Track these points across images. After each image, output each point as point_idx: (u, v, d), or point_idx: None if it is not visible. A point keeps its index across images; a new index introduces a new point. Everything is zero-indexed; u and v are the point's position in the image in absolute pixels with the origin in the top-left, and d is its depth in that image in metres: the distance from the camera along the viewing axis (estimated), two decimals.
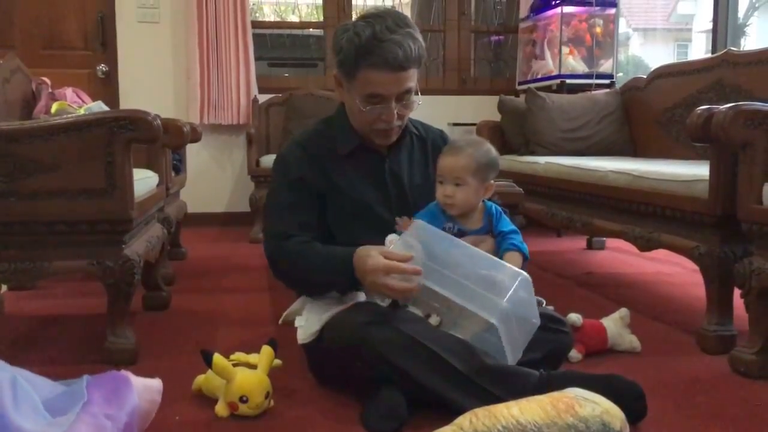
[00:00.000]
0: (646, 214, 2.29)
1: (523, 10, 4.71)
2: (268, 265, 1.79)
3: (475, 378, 1.45)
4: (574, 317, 1.94)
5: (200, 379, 1.67)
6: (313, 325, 1.68)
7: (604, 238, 3.78)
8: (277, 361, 1.66)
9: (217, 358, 1.54)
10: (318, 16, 5.22)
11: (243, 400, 1.53)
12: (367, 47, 1.64)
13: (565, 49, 4.18)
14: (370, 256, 1.56)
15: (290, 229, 1.73)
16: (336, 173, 1.78)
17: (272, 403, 1.59)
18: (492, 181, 1.74)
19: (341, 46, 1.69)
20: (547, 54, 4.32)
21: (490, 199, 1.80)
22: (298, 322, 1.74)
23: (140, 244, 2.05)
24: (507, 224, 1.75)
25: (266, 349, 1.63)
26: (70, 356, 1.99)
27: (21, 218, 1.83)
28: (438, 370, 1.46)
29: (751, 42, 7.64)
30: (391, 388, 1.49)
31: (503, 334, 1.45)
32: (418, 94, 1.75)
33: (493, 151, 1.76)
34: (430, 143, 1.91)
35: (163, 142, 2.55)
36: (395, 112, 1.71)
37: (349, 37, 1.67)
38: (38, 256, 1.86)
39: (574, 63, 4.21)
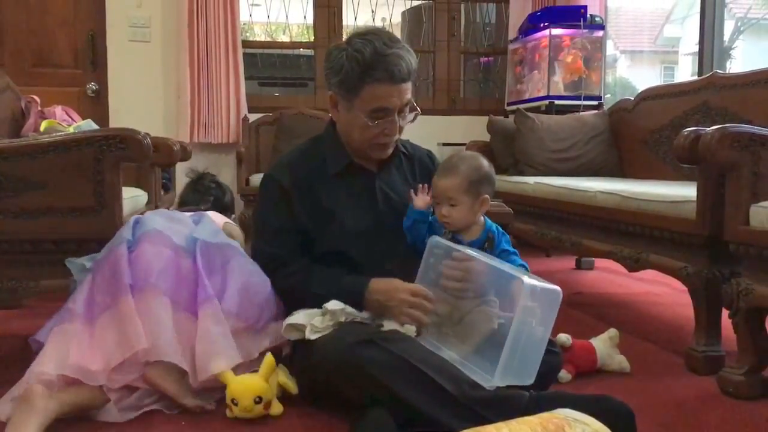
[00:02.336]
0: (635, 234, 2.30)
1: (512, 32, 4.75)
2: None
3: (465, 399, 1.44)
4: (564, 338, 1.94)
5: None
6: (299, 318, 1.69)
7: (593, 259, 3.79)
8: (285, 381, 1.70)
9: None
10: (308, 37, 5.25)
11: (234, 402, 1.59)
12: (371, 63, 1.69)
13: (554, 71, 4.22)
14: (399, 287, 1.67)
15: (286, 253, 1.79)
16: (325, 193, 1.80)
17: (277, 410, 1.63)
18: (487, 196, 1.75)
19: (341, 64, 1.72)
20: (536, 75, 4.36)
21: None
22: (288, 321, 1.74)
23: None
24: (509, 244, 1.78)
25: (268, 358, 1.65)
26: None
27: (8, 236, 1.82)
28: (427, 390, 1.45)
29: (736, 65, 7.75)
30: (380, 409, 1.48)
31: (522, 305, 1.40)
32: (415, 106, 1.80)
33: (485, 165, 1.77)
34: (417, 161, 1.96)
35: (153, 160, 2.55)
36: (398, 124, 1.75)
37: (350, 54, 1.70)
38: (25, 275, 1.85)
39: (563, 84, 4.25)
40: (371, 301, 1.68)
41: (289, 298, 1.81)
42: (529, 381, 1.49)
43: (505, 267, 1.56)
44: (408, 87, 1.75)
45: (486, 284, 1.59)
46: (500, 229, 1.80)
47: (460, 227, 1.74)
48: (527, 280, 1.43)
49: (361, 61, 1.69)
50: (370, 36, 1.72)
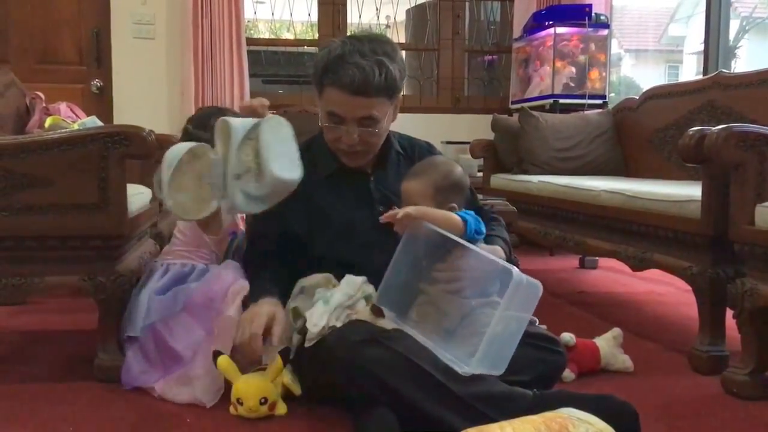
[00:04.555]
0: (639, 233, 2.30)
1: (517, 30, 4.74)
2: None
3: (469, 398, 1.44)
4: (567, 337, 1.94)
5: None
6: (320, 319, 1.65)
7: (597, 258, 3.78)
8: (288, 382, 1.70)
9: (222, 358, 1.64)
10: (312, 34, 5.25)
11: (239, 402, 1.61)
12: (330, 65, 1.69)
13: (558, 70, 4.21)
14: (260, 314, 1.64)
15: (257, 258, 1.84)
16: (320, 196, 1.80)
17: (282, 410, 1.64)
18: (454, 205, 1.68)
19: (316, 60, 1.75)
20: (540, 74, 4.35)
21: (483, 210, 1.79)
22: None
23: (133, 260, 2.04)
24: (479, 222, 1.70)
25: (276, 360, 1.64)
26: (60, 373, 1.97)
27: (12, 233, 1.82)
28: (431, 389, 1.45)
29: (741, 64, 7.72)
30: (384, 408, 1.48)
31: (508, 296, 1.38)
32: (389, 121, 1.77)
33: (456, 172, 1.71)
34: (416, 157, 1.91)
35: (157, 157, 2.54)
36: (355, 135, 1.72)
37: (323, 53, 1.72)
38: (30, 272, 1.85)
39: (567, 83, 4.24)
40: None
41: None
42: (499, 372, 1.46)
43: (491, 255, 1.52)
44: (369, 102, 1.68)
45: (478, 276, 1.56)
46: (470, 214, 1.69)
47: None
48: (517, 272, 1.40)
49: (323, 61, 1.70)
50: (352, 40, 1.71)
